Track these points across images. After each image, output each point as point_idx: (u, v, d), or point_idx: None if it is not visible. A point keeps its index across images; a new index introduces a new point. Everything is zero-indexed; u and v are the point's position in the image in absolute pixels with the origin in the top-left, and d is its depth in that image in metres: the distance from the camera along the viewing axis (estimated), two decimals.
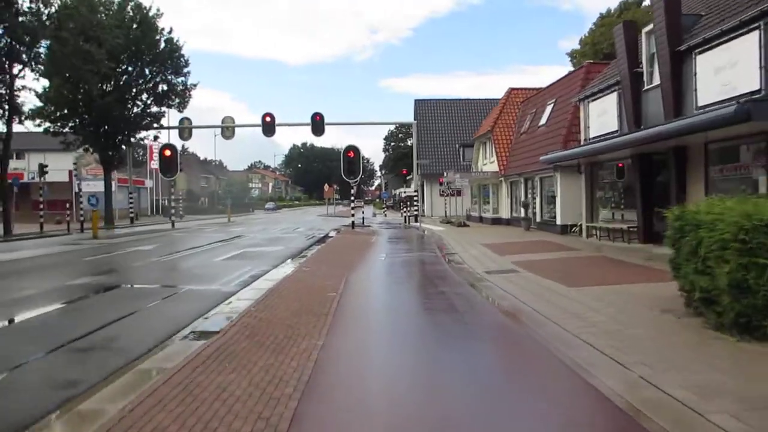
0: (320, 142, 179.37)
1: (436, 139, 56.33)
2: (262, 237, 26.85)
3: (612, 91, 19.31)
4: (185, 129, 41.36)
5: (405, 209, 43.50)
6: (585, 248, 18.06)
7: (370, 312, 9.61)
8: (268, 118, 38.82)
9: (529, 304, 9.41)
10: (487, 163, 37.37)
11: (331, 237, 26.00)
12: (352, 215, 32.15)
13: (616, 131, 18.84)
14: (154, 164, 61.67)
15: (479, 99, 59.04)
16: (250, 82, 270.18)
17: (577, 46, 52.57)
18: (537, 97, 32.79)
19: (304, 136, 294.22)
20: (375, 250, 20.52)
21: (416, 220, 38.70)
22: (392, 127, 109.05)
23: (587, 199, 21.79)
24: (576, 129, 25.06)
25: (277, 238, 25.98)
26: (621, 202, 20.19)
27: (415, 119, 58.27)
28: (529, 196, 29.93)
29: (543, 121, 29.34)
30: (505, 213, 33.77)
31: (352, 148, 32.14)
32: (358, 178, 34.16)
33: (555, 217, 25.93)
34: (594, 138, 20.27)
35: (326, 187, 66.12)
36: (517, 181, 31.86)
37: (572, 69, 36.03)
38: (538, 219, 28.22)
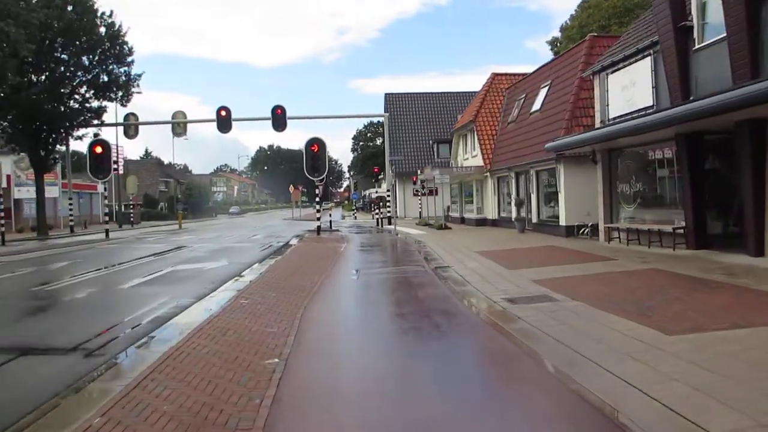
0: (287, 143, 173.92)
1: (408, 135, 51.92)
2: (209, 248, 21.96)
3: (644, 57, 15.03)
4: (131, 126, 36.09)
5: (377, 211, 38.98)
6: (620, 257, 13.66)
7: (338, 421, 4.95)
8: (223, 113, 33.83)
9: (635, 383, 4.89)
10: (469, 157, 33.02)
11: (292, 246, 21.25)
12: (318, 219, 27.24)
13: (651, 106, 14.55)
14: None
15: (454, 92, 54.80)
16: (217, 85, 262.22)
17: (557, 34, 48.66)
18: (525, 82, 28.55)
19: (270, 137, 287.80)
20: (343, 263, 15.90)
21: (390, 223, 34.23)
22: (361, 126, 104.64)
23: (605, 195, 17.50)
24: (581, 112, 20.89)
25: (225, 249, 21.14)
26: (653, 196, 15.91)
27: (386, 113, 53.75)
28: (521, 192, 25.66)
29: (536, 106, 25.08)
30: (491, 213, 29.38)
31: (316, 141, 27.28)
32: (324, 176, 29.14)
33: (557, 217, 21.64)
34: (617, 118, 15.97)
35: (291, 188, 61.07)
36: (506, 177, 27.55)
37: (554, 57, 31.78)
38: (534, 219, 23.91)
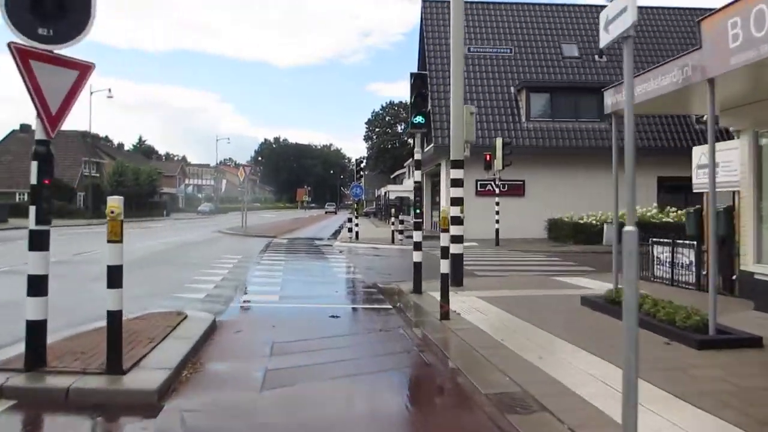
0: (295, 138, 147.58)
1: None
2: None
3: None
4: None
5: (401, 224, 12.83)
6: None
7: None
8: None
9: None
10: None
11: None
12: None
13: None
14: None
15: (552, 3, 28.62)
16: (238, 84, 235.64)
17: None
18: None
19: (278, 130, 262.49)
20: None
21: (459, 281, 8.39)
22: (378, 107, 79.23)
23: None
24: None
25: None
26: None
27: (423, 33, 27.63)
28: None
29: None
30: None
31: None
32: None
33: None
34: None
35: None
36: None
37: None
38: None
